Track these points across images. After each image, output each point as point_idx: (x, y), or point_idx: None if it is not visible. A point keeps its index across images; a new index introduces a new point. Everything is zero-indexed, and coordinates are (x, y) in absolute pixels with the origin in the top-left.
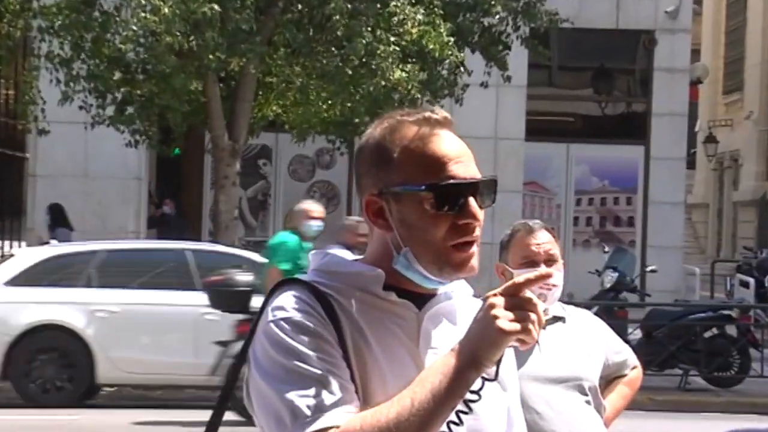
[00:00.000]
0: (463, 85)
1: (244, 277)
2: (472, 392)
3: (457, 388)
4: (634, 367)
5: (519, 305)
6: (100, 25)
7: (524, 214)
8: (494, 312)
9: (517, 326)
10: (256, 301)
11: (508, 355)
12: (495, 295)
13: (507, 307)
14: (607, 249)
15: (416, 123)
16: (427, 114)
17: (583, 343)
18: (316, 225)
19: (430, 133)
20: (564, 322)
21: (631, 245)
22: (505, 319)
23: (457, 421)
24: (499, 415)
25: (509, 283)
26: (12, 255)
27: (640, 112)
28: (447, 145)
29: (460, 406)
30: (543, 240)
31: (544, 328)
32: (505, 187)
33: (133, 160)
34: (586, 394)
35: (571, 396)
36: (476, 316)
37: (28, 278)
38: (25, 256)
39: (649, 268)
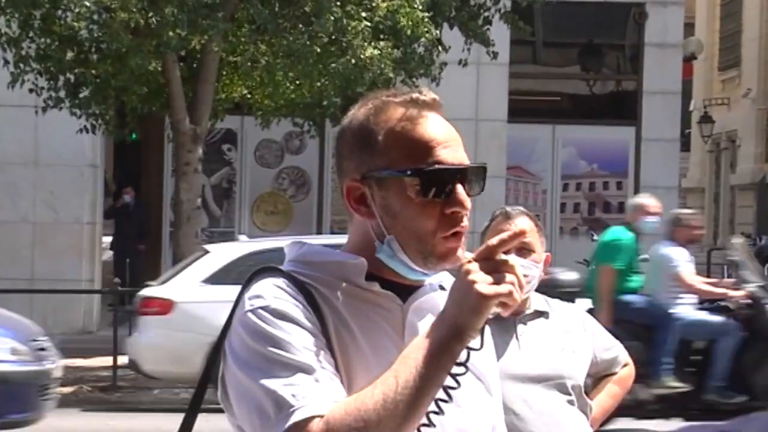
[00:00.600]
0: (440, 63)
1: (570, 277)
2: (458, 365)
3: (442, 362)
4: (625, 365)
5: (495, 268)
6: (49, 1)
7: (507, 200)
8: (471, 277)
9: (497, 289)
10: (581, 303)
11: (492, 359)
12: (470, 261)
13: (484, 271)
14: (596, 237)
15: (403, 104)
16: (415, 95)
17: (567, 339)
18: (653, 221)
19: (418, 115)
20: (547, 317)
21: None
22: (484, 283)
23: (446, 397)
24: (484, 416)
25: (483, 246)
26: (207, 252)
27: (631, 90)
28: (434, 128)
29: (448, 381)
30: (519, 227)
31: (524, 323)
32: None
33: (88, 147)
34: (569, 394)
35: (551, 395)
36: (453, 285)
37: (226, 276)
38: (221, 253)
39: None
